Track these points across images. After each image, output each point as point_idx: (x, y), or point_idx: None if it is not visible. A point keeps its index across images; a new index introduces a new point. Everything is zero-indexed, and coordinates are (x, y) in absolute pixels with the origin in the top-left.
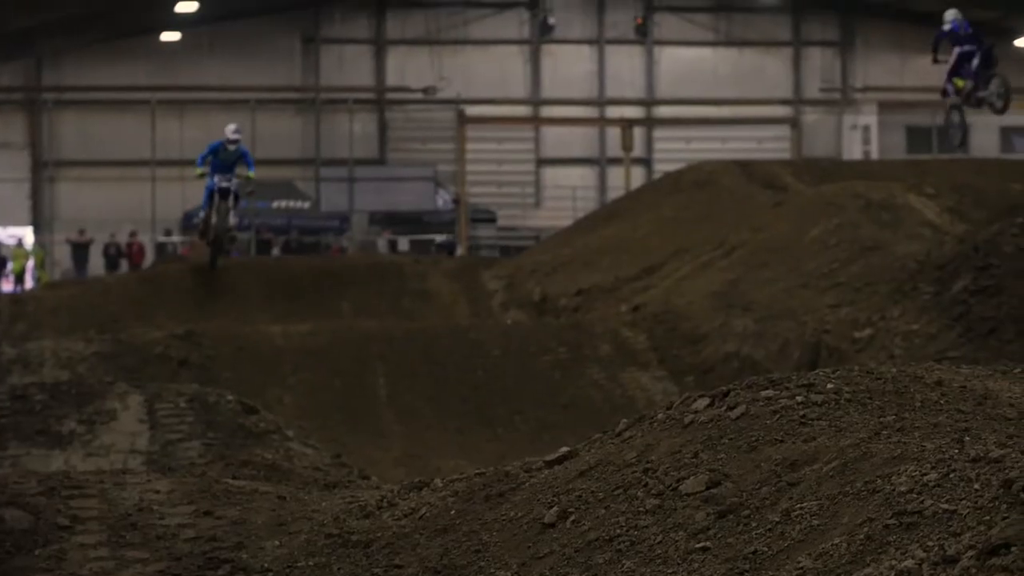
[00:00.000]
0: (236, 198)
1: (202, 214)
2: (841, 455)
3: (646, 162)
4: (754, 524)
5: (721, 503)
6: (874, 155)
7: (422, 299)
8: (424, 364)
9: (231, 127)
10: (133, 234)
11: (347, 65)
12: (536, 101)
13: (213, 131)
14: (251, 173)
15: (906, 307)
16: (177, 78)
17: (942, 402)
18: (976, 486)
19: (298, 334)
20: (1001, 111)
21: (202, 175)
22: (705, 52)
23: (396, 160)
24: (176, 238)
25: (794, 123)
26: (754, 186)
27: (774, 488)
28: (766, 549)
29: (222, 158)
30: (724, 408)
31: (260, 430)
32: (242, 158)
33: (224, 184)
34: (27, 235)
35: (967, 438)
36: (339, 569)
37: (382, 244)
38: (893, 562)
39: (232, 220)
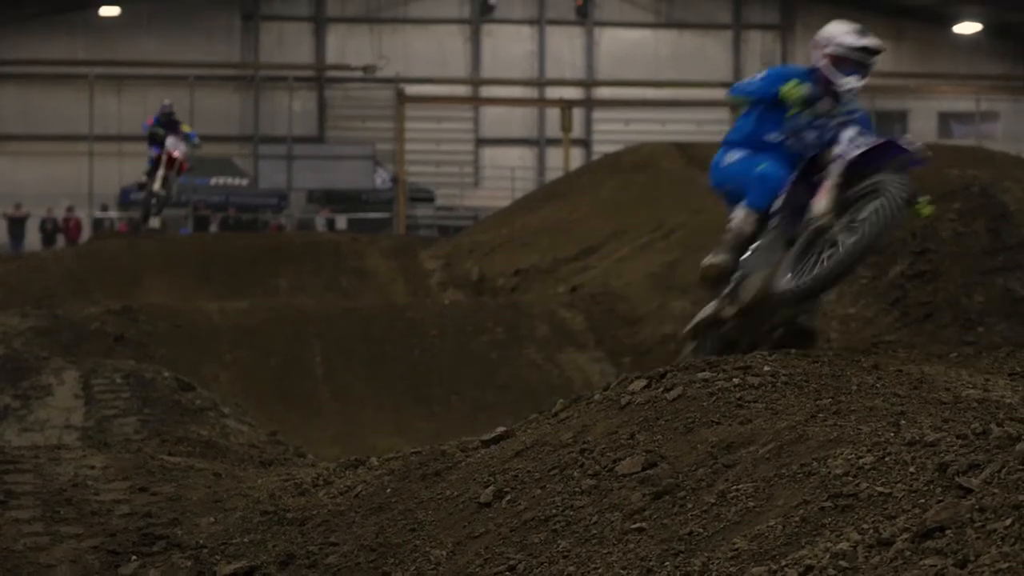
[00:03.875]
0: None
1: None
2: (777, 437)
3: (585, 143)
4: (690, 505)
5: (657, 484)
6: None
7: (359, 278)
8: (361, 343)
9: None
10: (70, 209)
11: (287, 42)
12: (476, 81)
13: (151, 107)
14: None
15: (843, 291)
16: (116, 53)
17: (878, 386)
18: (911, 469)
19: (235, 311)
20: None
21: None
22: (645, 34)
23: (335, 138)
24: (113, 214)
25: (734, 106)
26: (693, 168)
27: (710, 470)
28: (702, 530)
29: None
30: (661, 390)
31: (196, 407)
32: None
33: None
34: None
35: (903, 422)
36: (274, 546)
37: (320, 222)
38: (828, 544)
39: None
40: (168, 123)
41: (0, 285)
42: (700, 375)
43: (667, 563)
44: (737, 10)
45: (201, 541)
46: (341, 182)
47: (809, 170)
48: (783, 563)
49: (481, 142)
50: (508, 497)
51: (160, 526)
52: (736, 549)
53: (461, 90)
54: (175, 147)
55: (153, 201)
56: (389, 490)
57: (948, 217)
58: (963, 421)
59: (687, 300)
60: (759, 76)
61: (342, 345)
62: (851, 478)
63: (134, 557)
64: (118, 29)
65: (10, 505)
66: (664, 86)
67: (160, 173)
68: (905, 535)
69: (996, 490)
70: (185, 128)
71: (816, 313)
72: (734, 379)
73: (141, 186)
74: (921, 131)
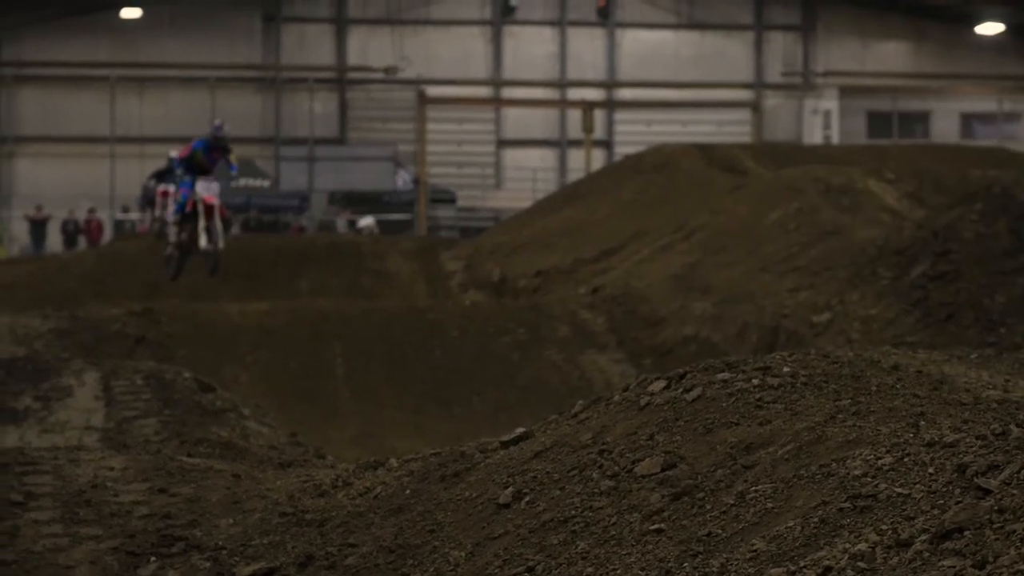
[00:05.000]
0: None
1: None
2: (796, 438)
3: (607, 144)
4: (709, 506)
5: (676, 485)
6: (835, 140)
7: (380, 279)
8: (382, 344)
9: None
10: (91, 211)
11: (308, 44)
12: (497, 82)
13: (172, 108)
14: None
15: (864, 292)
16: (137, 55)
17: (898, 386)
18: (930, 470)
19: (256, 313)
20: None
21: None
22: (667, 35)
23: (356, 140)
24: (134, 215)
25: (755, 107)
26: (714, 170)
27: (729, 471)
28: (720, 531)
29: None
30: (680, 391)
31: (216, 408)
32: None
33: None
34: None
35: (922, 423)
36: (293, 547)
37: (341, 224)
38: (847, 545)
39: None
40: (217, 148)
41: (22, 287)
42: (720, 376)
43: (686, 564)
44: (758, 11)
45: (220, 542)
46: (362, 183)
47: None
48: (802, 564)
49: (502, 143)
50: (527, 498)
51: (179, 527)
52: (755, 550)
53: (482, 91)
54: (207, 191)
55: (209, 262)
56: (408, 491)
57: (970, 218)
58: (982, 422)
59: (708, 301)
60: None
61: (362, 346)
62: (870, 479)
63: (153, 558)
64: (139, 31)
65: (30, 506)
66: (685, 87)
67: (201, 225)
68: (924, 536)
69: (1015, 491)
70: (233, 159)
71: None
72: (753, 380)
73: (169, 235)
74: (943, 132)
